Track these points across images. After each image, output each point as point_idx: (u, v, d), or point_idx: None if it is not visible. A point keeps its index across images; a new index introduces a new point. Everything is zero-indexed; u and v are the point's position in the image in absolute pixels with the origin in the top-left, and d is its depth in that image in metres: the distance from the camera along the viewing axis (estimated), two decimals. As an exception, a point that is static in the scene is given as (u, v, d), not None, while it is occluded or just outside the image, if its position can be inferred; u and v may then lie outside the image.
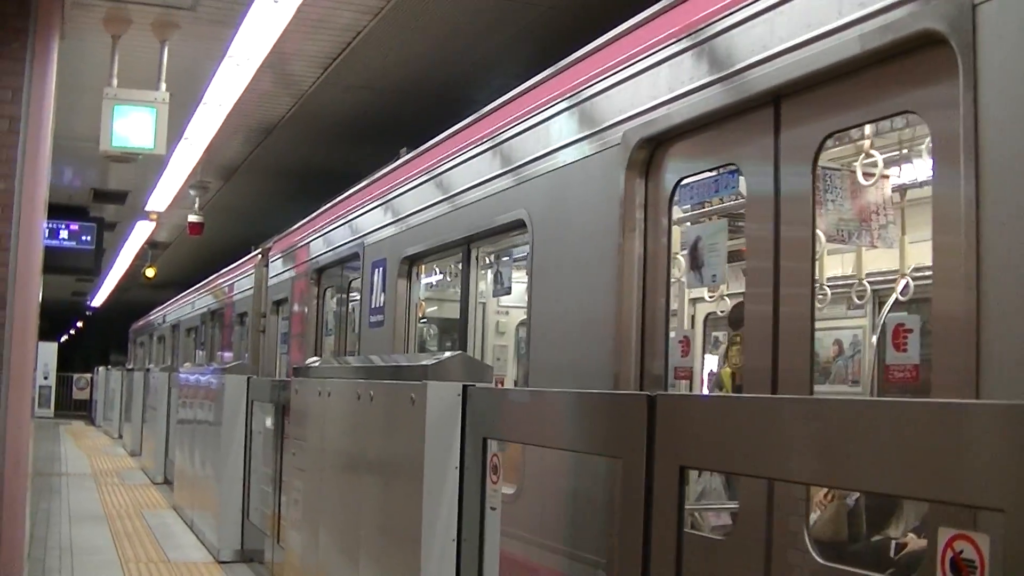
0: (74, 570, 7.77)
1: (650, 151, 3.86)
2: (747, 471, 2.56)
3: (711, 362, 7.24)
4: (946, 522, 2.44)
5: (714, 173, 3.68)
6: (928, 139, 3.90)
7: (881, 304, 6.18)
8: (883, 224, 4.69)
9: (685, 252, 4.30)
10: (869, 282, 5.38)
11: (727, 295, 6.41)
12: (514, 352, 8.28)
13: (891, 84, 2.85)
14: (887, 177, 4.49)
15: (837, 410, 2.04)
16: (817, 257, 3.41)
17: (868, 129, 4.05)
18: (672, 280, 3.99)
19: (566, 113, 4.50)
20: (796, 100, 3.17)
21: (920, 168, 4.89)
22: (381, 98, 9.83)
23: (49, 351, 27.17)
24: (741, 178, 3.57)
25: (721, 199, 4.69)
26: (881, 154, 4.23)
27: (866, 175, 4.20)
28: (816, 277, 3.32)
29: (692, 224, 4.84)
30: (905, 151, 4.78)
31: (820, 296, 4.60)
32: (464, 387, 3.54)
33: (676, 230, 4.09)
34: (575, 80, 4.45)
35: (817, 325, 3.26)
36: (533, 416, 3.34)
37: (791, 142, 3.19)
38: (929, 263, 5.03)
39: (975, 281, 2.48)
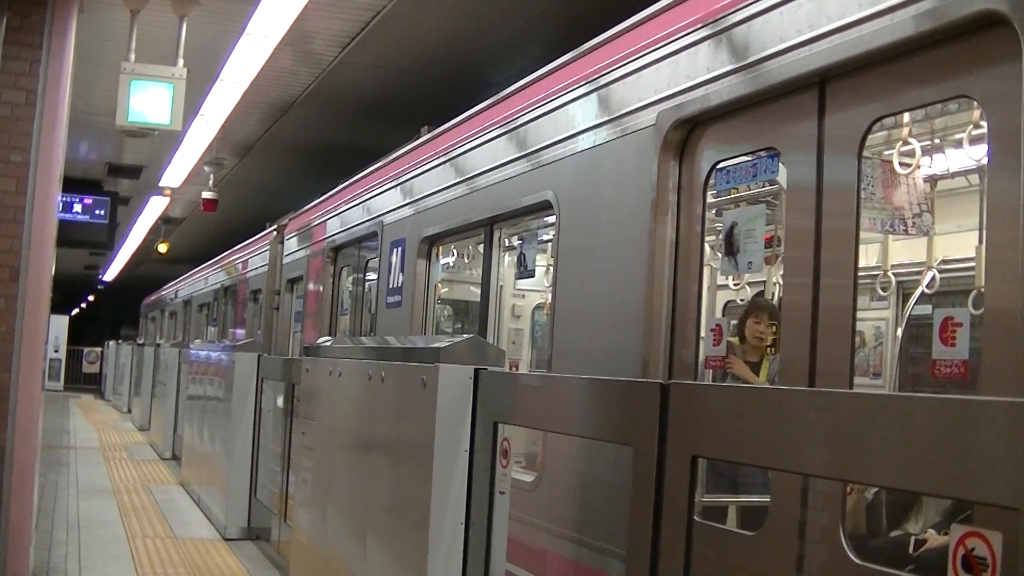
0: (81, 543, 7.76)
1: (685, 133, 3.75)
2: (759, 462, 2.54)
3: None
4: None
5: (752, 157, 3.57)
6: (970, 127, 3.82)
7: (906, 297, 6.08)
8: (916, 214, 4.59)
9: (715, 237, 4.20)
10: (894, 274, 5.28)
11: (748, 283, 6.32)
12: (529, 336, 8.21)
13: (945, 67, 2.74)
14: (919, 167, 4.39)
15: (850, 403, 2.02)
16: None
17: (906, 117, 3.94)
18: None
19: (597, 93, 4.39)
20: (843, 82, 3.06)
21: (953, 158, 4.78)
22: (400, 78, 9.75)
23: (60, 324, 27.25)
24: (780, 164, 3.46)
25: (748, 186, 4.59)
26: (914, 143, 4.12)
27: (902, 164, 4.11)
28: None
29: (719, 211, 4.74)
30: (937, 140, 4.68)
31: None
32: (476, 371, 3.51)
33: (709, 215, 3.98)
34: (607, 59, 4.34)
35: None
36: (545, 401, 3.31)
37: (837, 126, 3.08)
38: (958, 256, 5.00)
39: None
